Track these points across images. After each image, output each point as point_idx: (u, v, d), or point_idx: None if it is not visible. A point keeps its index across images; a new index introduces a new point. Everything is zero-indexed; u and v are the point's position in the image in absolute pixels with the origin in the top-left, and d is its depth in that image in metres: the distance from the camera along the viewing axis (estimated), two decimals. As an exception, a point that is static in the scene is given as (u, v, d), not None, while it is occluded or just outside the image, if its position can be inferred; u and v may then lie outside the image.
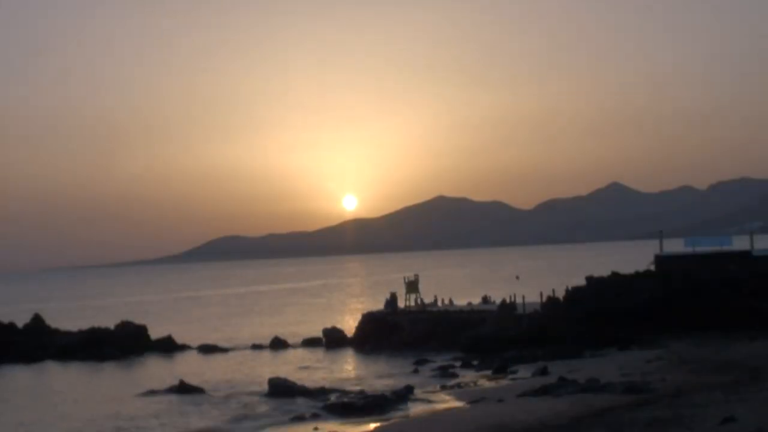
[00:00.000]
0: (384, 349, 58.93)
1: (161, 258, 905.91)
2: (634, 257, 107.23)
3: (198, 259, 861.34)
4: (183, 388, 43.84)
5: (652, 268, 59.14)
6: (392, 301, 65.05)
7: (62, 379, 55.90)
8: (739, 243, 62.46)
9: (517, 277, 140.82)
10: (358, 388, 42.49)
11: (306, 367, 53.64)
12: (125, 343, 65.64)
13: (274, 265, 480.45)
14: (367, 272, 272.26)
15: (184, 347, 67.84)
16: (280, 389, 41.92)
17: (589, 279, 58.82)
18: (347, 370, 52.60)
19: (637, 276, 58.33)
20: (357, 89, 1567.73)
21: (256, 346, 66.42)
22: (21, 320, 71.49)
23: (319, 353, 61.97)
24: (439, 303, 69.67)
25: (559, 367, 42.93)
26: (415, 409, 36.33)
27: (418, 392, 40.13)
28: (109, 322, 71.47)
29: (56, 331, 69.72)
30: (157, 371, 56.04)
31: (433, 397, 39.22)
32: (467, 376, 46.08)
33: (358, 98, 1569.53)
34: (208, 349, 66.47)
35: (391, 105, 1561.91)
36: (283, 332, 71.14)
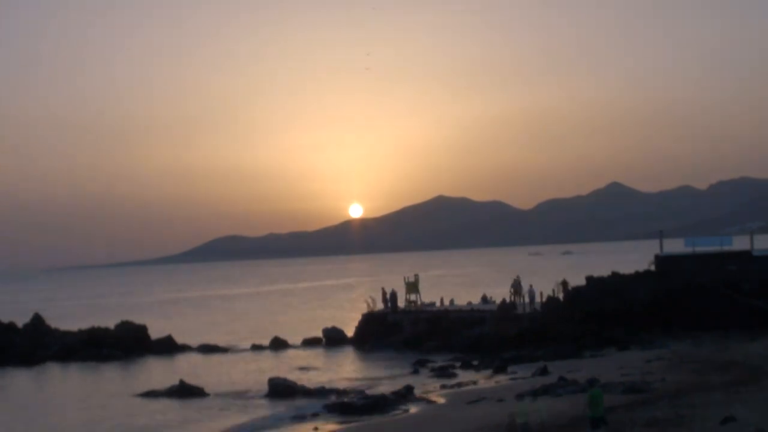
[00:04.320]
0: (384, 349, 58.94)
1: (161, 258, 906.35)
2: (634, 257, 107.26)
3: (198, 259, 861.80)
4: (183, 389, 43.81)
5: (652, 268, 59.12)
6: (392, 300, 65.04)
7: (62, 379, 55.91)
8: (739, 243, 62.45)
9: (518, 277, 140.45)
10: (358, 388, 42.47)
11: (306, 367, 53.63)
12: (125, 343, 65.61)
13: (274, 265, 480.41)
14: (367, 272, 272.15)
15: (184, 347, 67.80)
16: (280, 389, 41.93)
17: (589, 279, 58.82)
18: (347, 370, 52.58)
19: (637, 276, 58.32)
20: (356, 90, 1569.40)
21: (256, 346, 66.39)
22: (21, 320, 71.48)
23: (319, 353, 61.98)
24: (438, 303, 69.67)
25: (559, 367, 42.92)
26: (415, 409, 36.32)
27: (418, 392, 40.12)
28: (109, 322, 71.45)
29: (56, 331, 69.69)
30: (157, 371, 56.05)
31: (433, 397, 39.21)
32: (467, 376, 46.07)
33: (357, 100, 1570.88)
34: (208, 349, 66.45)
35: (391, 106, 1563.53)
36: (283, 332, 71.11)
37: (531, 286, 64.02)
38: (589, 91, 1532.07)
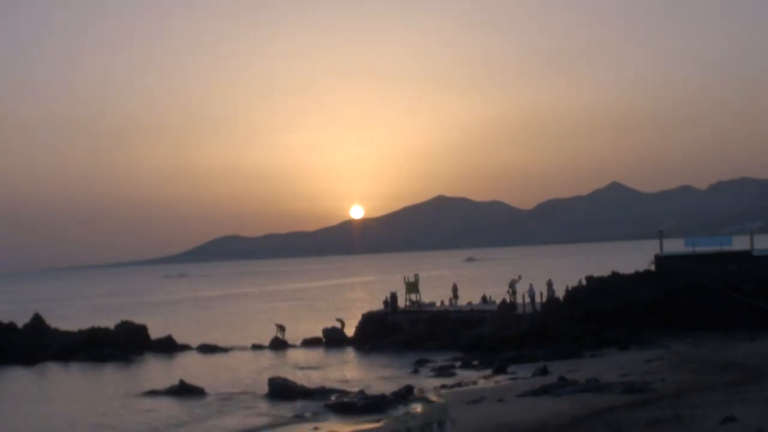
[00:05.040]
0: (384, 349, 58.93)
1: (161, 258, 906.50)
2: (634, 257, 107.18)
3: (198, 259, 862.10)
4: (183, 389, 43.79)
5: (652, 268, 59.10)
6: (392, 300, 65.09)
7: (62, 380, 55.88)
8: (739, 243, 62.40)
9: (519, 277, 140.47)
10: (358, 388, 42.46)
11: (306, 367, 53.62)
12: (125, 343, 65.57)
13: (274, 265, 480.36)
14: (367, 272, 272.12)
15: (184, 347, 67.80)
16: (280, 389, 41.90)
17: (589, 279, 58.75)
18: (347, 370, 52.57)
19: (637, 276, 58.27)
20: (357, 91, 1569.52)
21: (256, 346, 66.40)
22: (21, 320, 71.47)
23: (319, 353, 61.97)
24: (438, 303, 69.72)
25: (559, 367, 42.88)
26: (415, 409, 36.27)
27: (418, 392, 40.09)
28: (109, 322, 71.44)
29: (56, 331, 69.66)
30: (157, 371, 56.04)
31: (432, 397, 39.15)
32: (467, 376, 46.06)
33: (358, 100, 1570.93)
34: (208, 349, 66.43)
35: (391, 106, 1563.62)
36: (283, 332, 71.03)
37: (531, 285, 63.95)
38: (589, 92, 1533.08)
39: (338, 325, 68.10)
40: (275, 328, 68.32)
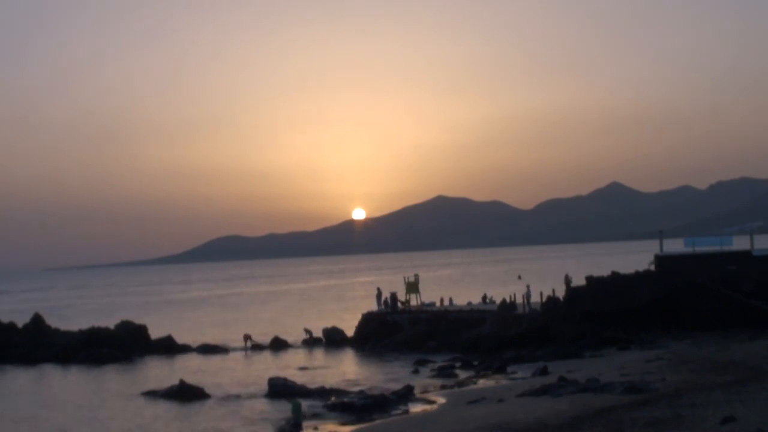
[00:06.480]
0: (384, 349, 58.91)
1: (161, 258, 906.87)
2: (634, 257, 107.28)
3: (198, 259, 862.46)
4: (183, 389, 43.75)
5: (652, 268, 59.08)
6: (392, 300, 65.04)
7: (62, 380, 55.85)
8: (739, 243, 62.39)
9: (519, 277, 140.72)
10: (358, 388, 42.45)
11: (306, 367, 53.62)
12: (125, 343, 65.57)
13: (274, 265, 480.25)
14: (367, 272, 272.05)
15: (184, 347, 67.78)
16: (280, 389, 41.89)
17: (589, 279, 58.74)
18: (347, 370, 52.57)
19: (637, 276, 58.26)
20: (357, 91, 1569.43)
21: (256, 346, 66.38)
22: (21, 320, 71.44)
23: (319, 353, 61.97)
24: (438, 303, 69.72)
25: (559, 367, 42.88)
26: (415, 409, 36.30)
27: (418, 392, 40.10)
28: (109, 322, 71.42)
29: (56, 332, 69.64)
30: (157, 371, 56.03)
31: (433, 397, 39.19)
32: (467, 376, 46.05)
33: (359, 101, 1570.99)
34: (208, 350, 66.43)
35: (392, 107, 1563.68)
36: (283, 332, 71.10)
37: (528, 286, 63.99)
38: (590, 92, 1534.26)
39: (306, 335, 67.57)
40: (244, 339, 67.58)
